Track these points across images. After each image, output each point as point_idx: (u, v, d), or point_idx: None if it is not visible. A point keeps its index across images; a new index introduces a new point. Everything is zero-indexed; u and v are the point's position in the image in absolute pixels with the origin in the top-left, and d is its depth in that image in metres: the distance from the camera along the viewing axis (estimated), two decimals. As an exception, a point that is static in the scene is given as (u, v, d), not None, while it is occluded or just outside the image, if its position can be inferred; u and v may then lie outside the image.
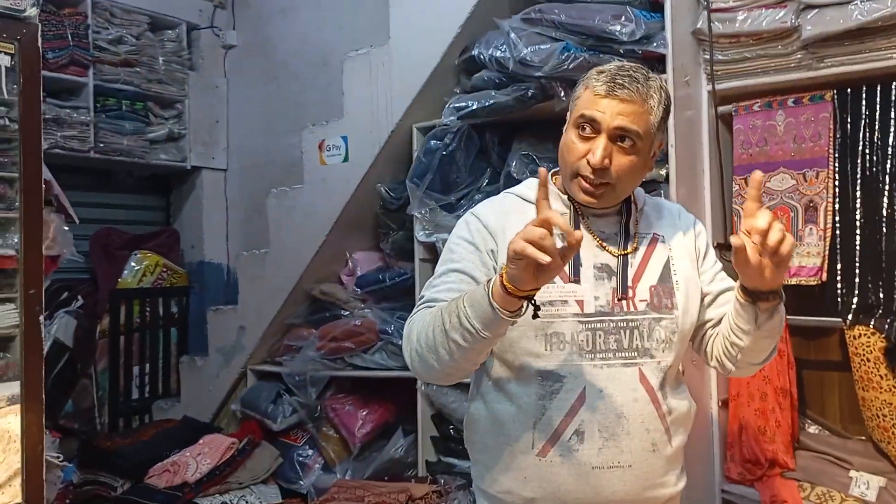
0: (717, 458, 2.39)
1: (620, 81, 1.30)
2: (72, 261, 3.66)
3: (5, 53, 1.49)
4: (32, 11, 1.51)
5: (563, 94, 2.45)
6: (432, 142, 2.89)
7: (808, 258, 2.25)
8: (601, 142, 1.30)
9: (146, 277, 4.24)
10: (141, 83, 4.12)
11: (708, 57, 2.36)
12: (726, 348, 1.39)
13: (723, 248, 2.45)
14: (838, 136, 2.21)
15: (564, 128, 1.40)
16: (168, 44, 4.29)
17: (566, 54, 2.38)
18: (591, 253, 1.37)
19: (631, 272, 1.37)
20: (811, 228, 2.25)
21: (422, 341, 1.26)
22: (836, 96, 2.20)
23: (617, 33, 2.33)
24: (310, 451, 3.38)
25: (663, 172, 2.34)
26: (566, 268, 1.30)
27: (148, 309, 4.20)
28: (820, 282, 2.23)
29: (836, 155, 2.21)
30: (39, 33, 1.53)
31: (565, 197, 1.41)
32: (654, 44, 2.32)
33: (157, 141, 4.21)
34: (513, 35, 2.48)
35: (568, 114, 1.40)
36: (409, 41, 3.00)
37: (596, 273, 1.36)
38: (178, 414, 3.89)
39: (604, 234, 1.40)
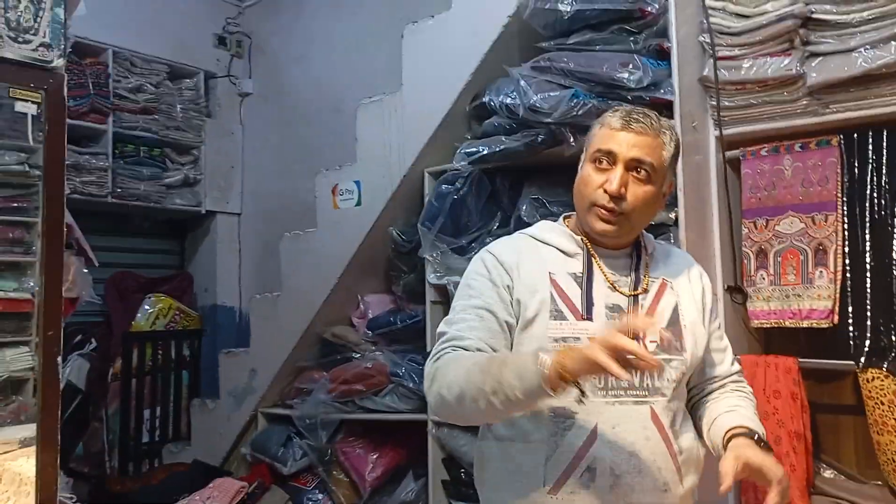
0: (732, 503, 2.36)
1: (635, 117, 1.39)
2: (88, 303, 3.73)
3: (33, 102, 1.56)
4: (60, 62, 1.57)
5: (572, 139, 2.49)
6: (443, 186, 2.93)
7: (820, 301, 2.25)
8: (618, 171, 1.36)
9: (159, 320, 4.27)
10: (159, 130, 4.22)
11: (715, 103, 2.40)
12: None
13: (733, 290, 2.46)
14: (846, 179, 2.23)
15: (580, 166, 1.45)
16: (186, 92, 4.41)
17: (575, 101, 2.43)
18: (603, 293, 1.40)
19: (641, 313, 1.40)
20: (821, 271, 2.25)
21: (452, 390, 1.27)
22: (842, 141, 2.23)
23: (625, 80, 2.38)
24: (320, 495, 3.35)
25: (672, 216, 2.36)
26: (578, 305, 1.36)
27: (160, 352, 4.22)
28: (832, 324, 2.22)
29: (845, 198, 2.23)
30: (65, 83, 1.59)
31: (578, 238, 1.45)
32: (662, 90, 2.37)
33: (173, 186, 4.30)
34: (523, 82, 2.54)
35: (583, 153, 1.46)
36: (421, 88, 3.07)
37: (608, 313, 1.38)
38: (189, 457, 3.89)
39: (615, 275, 1.43)
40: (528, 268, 1.41)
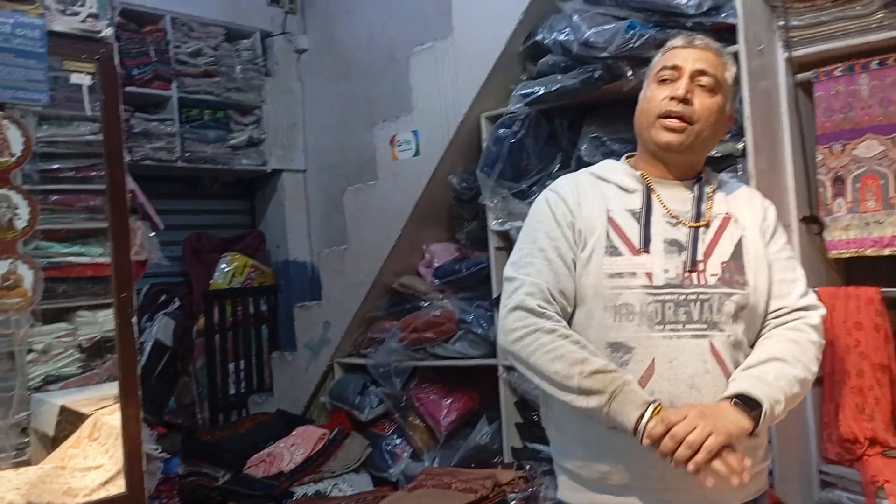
0: (813, 438, 2.30)
1: (699, 36, 1.46)
2: (168, 265, 3.89)
3: (87, 73, 1.61)
4: (108, 31, 1.61)
5: (630, 73, 2.41)
6: (501, 130, 2.89)
7: (902, 227, 2.14)
8: (684, 80, 1.40)
9: (236, 278, 4.42)
10: (221, 92, 4.28)
11: (783, 23, 2.26)
12: None
13: (809, 221, 2.36)
14: (929, 95, 2.08)
15: (641, 94, 1.48)
16: (244, 52, 4.44)
17: (631, 32, 2.34)
18: (661, 228, 1.39)
19: (702, 247, 1.38)
20: (904, 195, 2.13)
21: (536, 363, 1.31)
22: (924, 54, 2.08)
23: (683, 6, 2.27)
24: (398, 440, 3.45)
25: (740, 146, 2.27)
26: (635, 240, 1.37)
27: (239, 308, 4.38)
28: (915, 251, 2.11)
29: (928, 116, 2.09)
30: (116, 51, 1.64)
31: (638, 174, 1.45)
32: (724, 14, 2.25)
33: (238, 147, 4.38)
34: (576, 17, 2.46)
35: (644, 84, 1.49)
36: (472, 31, 3.01)
37: (666, 247, 1.37)
38: (272, 407, 4.06)
39: (675, 209, 1.42)
40: (588, 205, 1.42)
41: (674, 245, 1.38)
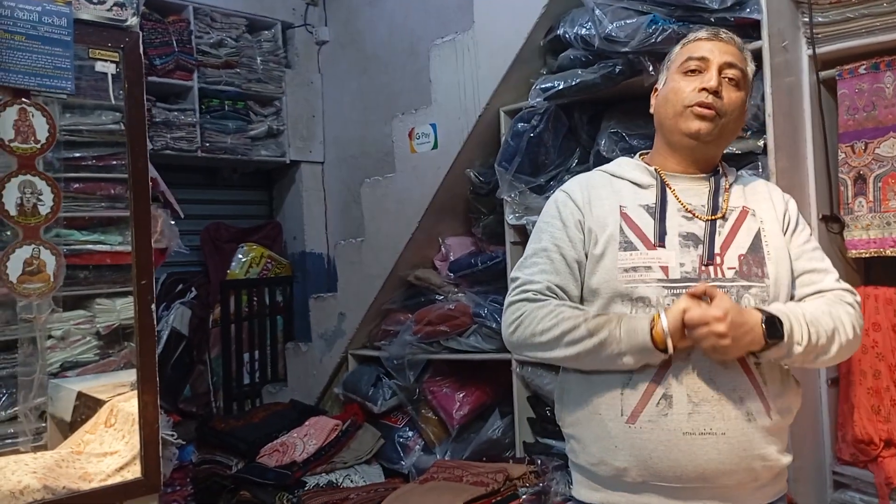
0: (827, 438, 2.29)
1: (722, 29, 1.45)
2: (186, 254, 3.92)
3: (111, 61, 1.63)
4: (134, 21, 1.63)
5: (651, 68, 2.39)
6: (520, 124, 2.88)
7: (924, 227, 2.11)
8: (713, 72, 1.39)
9: (252, 268, 4.45)
10: (241, 83, 4.31)
11: (807, 20, 2.24)
12: None
13: (829, 219, 2.33)
14: (955, 94, 2.05)
15: (661, 86, 1.48)
16: (265, 44, 4.47)
17: (654, 27, 2.32)
18: (676, 222, 1.38)
19: (719, 240, 1.37)
20: (926, 196, 2.10)
21: (539, 333, 1.33)
22: (951, 52, 2.05)
23: (707, 1, 2.25)
24: (410, 433, 3.46)
25: (760, 143, 2.24)
26: (650, 234, 1.36)
27: (255, 298, 4.41)
28: (937, 252, 2.09)
29: (954, 115, 2.06)
30: (141, 41, 1.65)
31: (652, 169, 1.45)
32: (748, 9, 2.22)
33: (257, 138, 4.41)
34: (598, 11, 2.44)
35: (661, 76, 1.49)
36: (493, 24, 3.00)
37: (681, 241, 1.36)
38: (286, 397, 4.09)
39: (691, 204, 1.41)
40: (600, 202, 1.42)
41: (689, 239, 1.37)
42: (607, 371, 1.34)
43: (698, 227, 1.38)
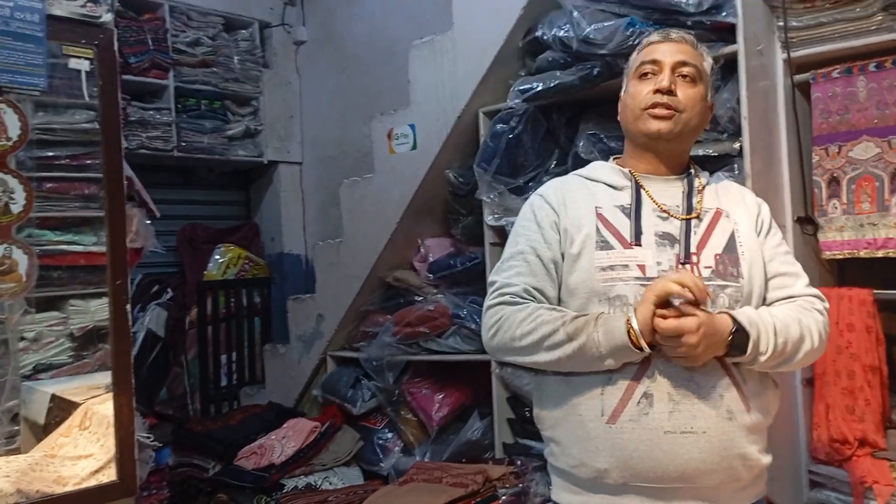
0: (803, 438, 2.32)
1: (674, 30, 1.49)
2: (163, 254, 3.88)
3: (85, 58, 1.60)
4: (108, 17, 1.61)
5: (629, 70, 2.40)
6: (498, 125, 2.88)
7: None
8: (666, 72, 1.41)
9: (230, 269, 4.41)
10: (218, 83, 4.27)
11: (782, 24, 2.27)
12: None
13: (803, 221, 2.36)
14: (926, 99, 2.09)
15: (623, 91, 1.51)
16: (242, 43, 4.43)
17: (631, 30, 2.33)
18: (652, 222, 1.40)
19: (694, 239, 1.39)
20: (898, 198, 2.14)
21: (519, 337, 1.34)
22: (921, 57, 2.09)
23: (683, 4, 2.27)
24: (389, 434, 3.45)
25: (736, 146, 2.27)
26: (626, 234, 1.37)
27: (232, 299, 4.37)
28: (909, 253, 2.12)
29: (924, 119, 2.10)
30: (115, 37, 1.63)
31: (626, 171, 1.47)
32: (724, 13, 2.25)
33: (234, 138, 4.37)
34: (576, 14, 2.45)
35: (624, 80, 1.52)
36: (472, 26, 3.00)
37: (658, 240, 1.38)
38: (264, 399, 4.05)
39: (666, 204, 1.42)
40: (576, 204, 1.44)
41: (665, 238, 1.38)
42: (584, 373, 1.34)
43: (674, 227, 1.39)
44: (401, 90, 3.50)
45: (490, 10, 2.90)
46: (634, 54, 1.51)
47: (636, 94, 1.44)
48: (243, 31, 4.46)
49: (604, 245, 1.37)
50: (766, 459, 1.37)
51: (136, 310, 4.01)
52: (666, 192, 1.44)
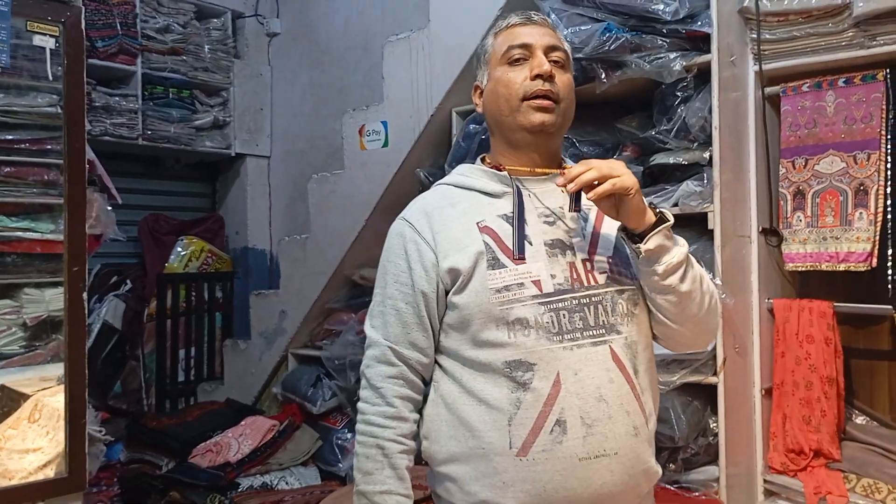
0: (759, 447, 2.34)
1: (533, 12, 1.34)
2: (119, 245, 3.78)
3: (51, 35, 1.54)
4: (76, -5, 1.56)
5: (604, 75, 2.41)
6: (472, 126, 2.87)
7: (858, 243, 2.18)
8: (539, 56, 1.27)
9: (192, 262, 4.33)
10: (187, 71, 4.19)
11: (755, 36, 2.30)
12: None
13: (768, 233, 2.39)
14: (891, 116, 2.14)
15: (482, 82, 1.35)
16: (214, 32, 4.36)
17: (607, 35, 2.34)
18: (539, 229, 1.27)
19: (585, 244, 1.28)
20: (861, 213, 2.18)
21: (358, 459, 1.30)
22: (888, 75, 2.13)
23: (660, 12, 2.28)
24: (349, 435, 3.40)
25: (706, 155, 2.29)
26: (512, 247, 1.24)
27: (194, 293, 4.29)
28: (870, 267, 2.16)
29: (889, 136, 2.14)
30: (83, 16, 1.57)
31: (503, 174, 1.31)
32: (699, 23, 2.26)
33: (202, 128, 4.29)
34: (553, 16, 2.45)
35: (480, 72, 1.36)
36: (448, 24, 2.99)
37: (548, 250, 1.25)
38: (222, 396, 3.98)
39: (549, 209, 1.29)
40: (451, 225, 1.27)
41: (556, 246, 1.26)
42: (486, 402, 1.21)
43: (562, 232, 1.27)
44: (374, 86, 3.47)
45: (467, 9, 2.89)
46: (490, 38, 1.35)
47: (510, 81, 1.27)
48: (215, 20, 4.39)
49: (495, 263, 1.22)
50: (658, 467, 1.30)
51: (93, 300, 3.91)
52: (548, 192, 1.30)
